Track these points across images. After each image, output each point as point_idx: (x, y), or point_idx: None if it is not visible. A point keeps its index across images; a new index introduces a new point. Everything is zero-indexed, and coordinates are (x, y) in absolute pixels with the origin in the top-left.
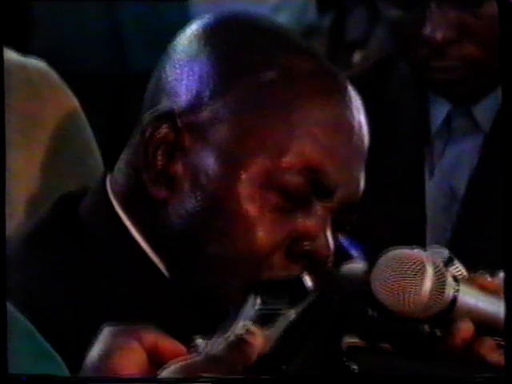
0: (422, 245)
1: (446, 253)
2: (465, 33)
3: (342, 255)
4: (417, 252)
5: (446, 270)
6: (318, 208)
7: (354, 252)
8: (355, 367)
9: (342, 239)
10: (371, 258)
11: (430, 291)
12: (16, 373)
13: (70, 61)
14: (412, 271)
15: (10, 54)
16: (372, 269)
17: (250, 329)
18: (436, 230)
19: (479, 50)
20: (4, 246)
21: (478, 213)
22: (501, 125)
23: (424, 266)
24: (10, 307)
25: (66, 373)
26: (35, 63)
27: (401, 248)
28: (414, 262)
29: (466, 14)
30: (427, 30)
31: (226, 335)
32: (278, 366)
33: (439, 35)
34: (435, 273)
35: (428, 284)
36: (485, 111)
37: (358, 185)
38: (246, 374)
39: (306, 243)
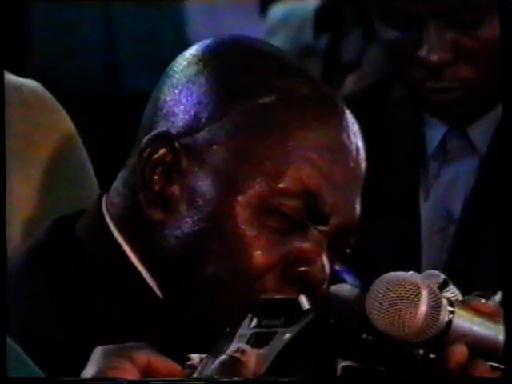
0: (417, 266)
1: (441, 276)
2: (461, 55)
3: (334, 279)
4: (412, 276)
5: (441, 294)
6: (314, 232)
7: (344, 275)
8: None
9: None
10: (366, 281)
11: (425, 315)
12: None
13: (66, 81)
14: (407, 295)
15: (5, 75)
16: (367, 292)
17: (242, 348)
18: (432, 252)
19: (475, 71)
20: (5, 250)
21: (473, 234)
22: (498, 145)
23: (419, 290)
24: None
25: None
26: (30, 84)
27: (396, 272)
28: (409, 286)
29: (462, 36)
30: (423, 52)
31: (220, 356)
32: None
33: (435, 57)
34: (430, 297)
35: (423, 308)
36: (480, 132)
37: (355, 209)
38: None
39: (301, 266)
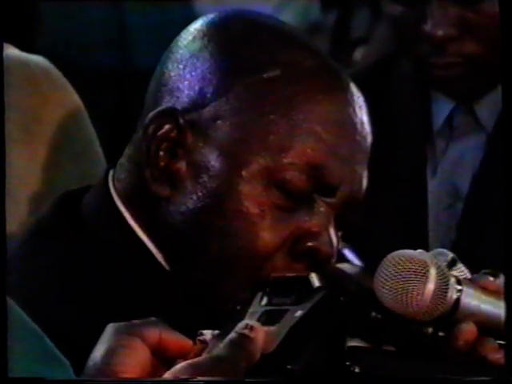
0: (425, 243)
1: (449, 255)
2: (465, 29)
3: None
4: (420, 254)
5: (449, 272)
6: (321, 206)
7: (346, 254)
8: (358, 369)
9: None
10: (372, 259)
11: (433, 293)
12: (16, 376)
13: (73, 57)
14: (415, 273)
15: (13, 51)
16: (370, 271)
17: (250, 324)
18: (440, 229)
19: (480, 46)
20: (4, 247)
21: (481, 211)
22: (501, 123)
23: (427, 268)
24: (16, 308)
25: (72, 374)
26: (37, 60)
27: (404, 250)
28: (418, 264)
29: (466, 11)
30: (428, 27)
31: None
32: (283, 364)
33: (440, 32)
34: (438, 275)
35: (431, 286)
36: (487, 109)
37: (361, 182)
38: (251, 372)
39: (308, 241)
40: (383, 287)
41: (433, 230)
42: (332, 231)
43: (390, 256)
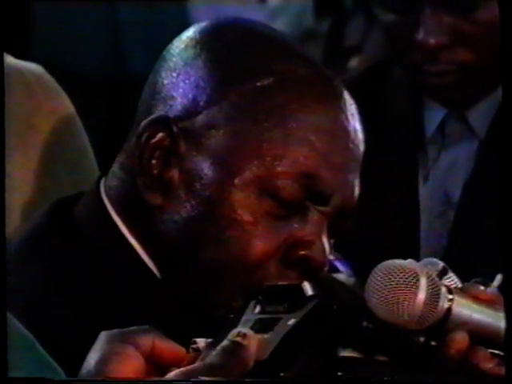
0: (416, 251)
1: (439, 264)
2: (458, 38)
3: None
4: (410, 263)
5: (440, 281)
6: (314, 214)
7: (339, 265)
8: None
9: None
10: (363, 267)
11: (424, 303)
12: (16, 376)
13: (67, 64)
14: (406, 283)
15: (7, 58)
16: (366, 280)
17: (243, 332)
18: (431, 236)
19: (472, 54)
20: (4, 250)
21: (473, 219)
22: (498, 129)
23: (418, 278)
24: (8, 316)
25: None
26: (32, 67)
27: (394, 259)
28: (408, 274)
29: (459, 19)
30: (420, 35)
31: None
32: (276, 372)
33: (432, 40)
34: (429, 284)
35: (422, 296)
36: (479, 116)
37: (354, 190)
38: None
39: (301, 250)
40: (374, 297)
41: (424, 237)
42: (325, 239)
43: (380, 266)
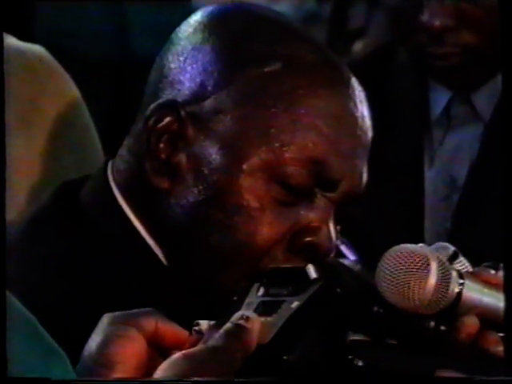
0: (421, 233)
1: (450, 248)
2: (463, 20)
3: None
4: (421, 248)
5: (451, 266)
6: (321, 200)
7: (344, 250)
8: (361, 363)
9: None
10: (368, 250)
11: (435, 287)
12: (16, 376)
13: (71, 46)
14: (416, 267)
15: (10, 40)
16: (370, 265)
17: (246, 315)
18: (436, 220)
19: (477, 36)
20: (4, 243)
21: (478, 202)
22: (501, 114)
23: (428, 262)
24: (12, 299)
25: (70, 370)
26: (34, 49)
27: (405, 244)
28: (419, 258)
29: (463, 1)
30: (425, 17)
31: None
32: (278, 355)
33: (437, 22)
34: (440, 268)
35: (432, 280)
36: (484, 99)
37: (362, 176)
38: (247, 363)
39: (308, 236)
40: (385, 281)
41: (429, 219)
42: (331, 226)
43: (391, 250)
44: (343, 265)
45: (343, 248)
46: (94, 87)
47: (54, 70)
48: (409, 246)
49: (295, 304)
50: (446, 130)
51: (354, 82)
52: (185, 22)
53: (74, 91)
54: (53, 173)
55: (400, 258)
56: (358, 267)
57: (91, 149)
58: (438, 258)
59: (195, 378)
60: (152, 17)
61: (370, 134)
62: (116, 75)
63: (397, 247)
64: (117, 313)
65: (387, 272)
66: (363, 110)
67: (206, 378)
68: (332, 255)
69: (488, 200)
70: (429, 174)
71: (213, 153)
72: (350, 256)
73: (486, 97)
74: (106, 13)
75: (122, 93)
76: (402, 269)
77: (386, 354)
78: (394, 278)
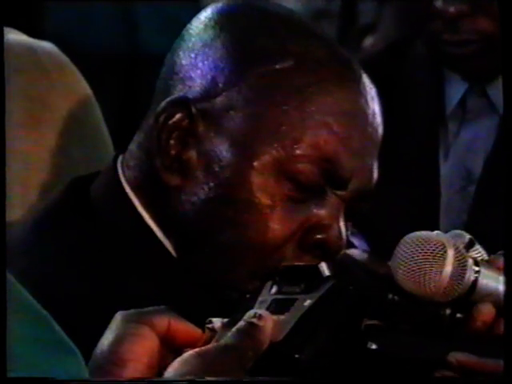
0: (436, 226)
1: (466, 236)
2: (478, 6)
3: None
4: (438, 235)
5: (467, 254)
6: (332, 198)
7: (354, 240)
8: (374, 346)
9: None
10: (383, 241)
11: (451, 274)
12: (16, 376)
13: (81, 42)
14: (433, 254)
15: (20, 37)
16: (385, 254)
17: (259, 313)
18: (451, 212)
19: (493, 24)
20: (4, 243)
21: (493, 194)
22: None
23: (445, 249)
24: (25, 294)
25: (82, 364)
26: (45, 45)
27: (421, 231)
28: (435, 246)
29: None
30: (439, 3)
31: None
32: (291, 353)
33: (452, 8)
34: (456, 256)
35: (449, 267)
36: (500, 92)
37: (372, 174)
38: (259, 361)
39: (318, 234)
40: (401, 268)
41: (444, 212)
42: (342, 223)
43: (407, 237)
44: (353, 259)
45: (353, 238)
46: (104, 83)
47: (64, 67)
48: (425, 233)
49: (308, 302)
50: (461, 123)
51: (365, 78)
52: (195, 19)
53: (84, 87)
54: (63, 169)
55: (417, 245)
56: (366, 256)
57: (102, 144)
58: (454, 245)
59: (207, 378)
60: (161, 12)
61: (380, 130)
62: (126, 70)
63: (413, 234)
64: (130, 311)
65: (403, 259)
66: (374, 106)
67: (212, 378)
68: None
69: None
70: (444, 167)
71: (224, 150)
72: (359, 245)
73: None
74: (115, 8)
75: (131, 88)
76: (418, 256)
77: (399, 338)
78: (410, 264)
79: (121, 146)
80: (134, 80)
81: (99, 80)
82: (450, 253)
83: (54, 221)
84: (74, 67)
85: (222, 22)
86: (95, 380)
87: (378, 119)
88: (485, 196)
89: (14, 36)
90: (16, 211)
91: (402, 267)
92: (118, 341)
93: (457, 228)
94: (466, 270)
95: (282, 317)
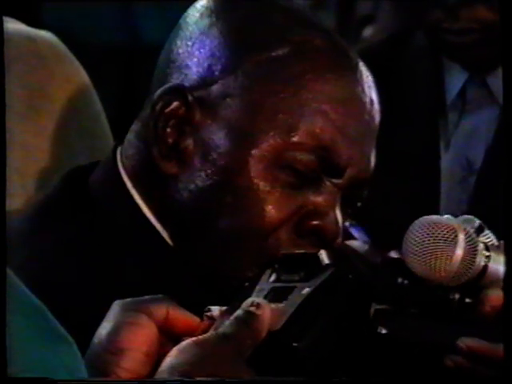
0: None
1: (476, 221)
2: None
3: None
4: (448, 219)
5: (478, 238)
6: (328, 185)
7: (354, 232)
8: (384, 331)
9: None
10: (382, 233)
11: (462, 259)
12: (16, 376)
13: (81, 31)
14: (444, 238)
15: (19, 26)
16: (383, 247)
17: (257, 301)
18: (451, 202)
19: (494, 13)
20: (4, 240)
21: (494, 185)
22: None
23: (456, 234)
24: (19, 284)
25: (77, 354)
26: (44, 35)
27: (432, 215)
28: (446, 230)
29: None
30: None
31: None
32: (289, 342)
33: None
34: (467, 241)
35: (459, 251)
36: (500, 82)
37: (369, 162)
38: (257, 349)
39: (314, 220)
40: (411, 252)
41: (445, 202)
42: (338, 211)
43: (418, 221)
44: (352, 249)
45: (352, 229)
46: (104, 73)
47: (63, 57)
48: (436, 217)
49: (306, 290)
50: (462, 113)
51: (362, 66)
52: (192, 7)
53: (83, 77)
54: (62, 159)
55: (428, 229)
56: (366, 248)
57: (101, 135)
58: (465, 229)
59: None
60: (161, 2)
61: (377, 118)
62: (125, 61)
63: (424, 218)
64: (128, 299)
65: (414, 243)
66: (371, 94)
67: (208, 378)
68: (339, 239)
69: None
70: (445, 158)
71: (221, 138)
72: (358, 237)
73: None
74: None
75: (130, 78)
76: (429, 240)
77: (408, 323)
78: (420, 248)
79: (120, 137)
80: (133, 71)
81: (98, 71)
82: (461, 237)
83: (52, 211)
84: (73, 57)
85: (219, 10)
86: (95, 380)
87: (375, 107)
88: (485, 186)
89: (12, 25)
90: (15, 201)
91: (412, 251)
92: (116, 330)
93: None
94: (476, 254)
95: (280, 305)
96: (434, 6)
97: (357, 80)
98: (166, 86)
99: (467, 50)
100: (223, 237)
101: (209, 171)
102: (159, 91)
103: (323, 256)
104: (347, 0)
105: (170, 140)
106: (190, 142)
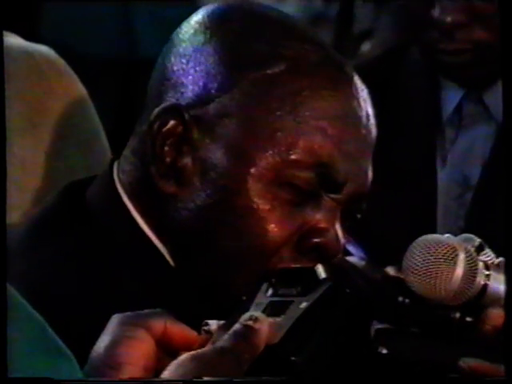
0: (432, 233)
1: (476, 240)
2: (474, 16)
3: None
4: (448, 238)
5: (478, 257)
6: (327, 202)
7: (351, 248)
8: (384, 351)
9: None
10: (379, 250)
11: (462, 278)
12: (16, 376)
13: (78, 47)
14: (444, 257)
15: (17, 41)
16: (380, 263)
17: (255, 316)
18: (448, 218)
19: (489, 33)
20: (4, 245)
21: (490, 201)
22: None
23: (456, 253)
24: (18, 298)
25: (76, 368)
26: (41, 49)
27: (433, 234)
28: (447, 249)
29: None
30: (436, 13)
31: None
32: (287, 356)
33: (448, 18)
34: (467, 259)
35: (460, 270)
36: (496, 98)
37: (367, 176)
38: (255, 364)
39: (315, 237)
40: (412, 271)
41: (442, 219)
42: (338, 227)
43: (418, 240)
44: (350, 263)
45: (349, 246)
46: (102, 87)
47: (61, 71)
48: (436, 236)
49: (303, 304)
50: (458, 129)
51: (358, 80)
52: (185, 23)
53: (81, 91)
54: (60, 173)
55: (428, 248)
56: (364, 264)
57: (99, 149)
58: (465, 248)
59: (204, 378)
60: (158, 15)
61: (374, 132)
62: (123, 74)
63: (424, 237)
64: (126, 313)
65: (415, 262)
66: (367, 108)
67: (208, 378)
68: (340, 256)
69: (501, 198)
70: (441, 174)
71: (219, 156)
72: (356, 253)
73: (498, 95)
74: (113, 12)
75: (128, 91)
76: (429, 259)
77: (409, 342)
78: (421, 267)
79: (118, 151)
80: (131, 84)
81: (96, 83)
82: (461, 256)
83: (50, 225)
84: (72, 71)
85: (213, 26)
86: (95, 380)
87: (372, 121)
88: (482, 203)
89: (11, 40)
90: (13, 215)
91: (413, 270)
92: (114, 344)
93: (453, 234)
94: (476, 273)
95: (278, 319)
96: (430, 27)
97: (353, 94)
98: (163, 105)
99: (462, 69)
100: (225, 256)
101: (208, 191)
102: (156, 110)
103: (320, 270)
104: (346, 15)
105: (168, 159)
106: (188, 161)
